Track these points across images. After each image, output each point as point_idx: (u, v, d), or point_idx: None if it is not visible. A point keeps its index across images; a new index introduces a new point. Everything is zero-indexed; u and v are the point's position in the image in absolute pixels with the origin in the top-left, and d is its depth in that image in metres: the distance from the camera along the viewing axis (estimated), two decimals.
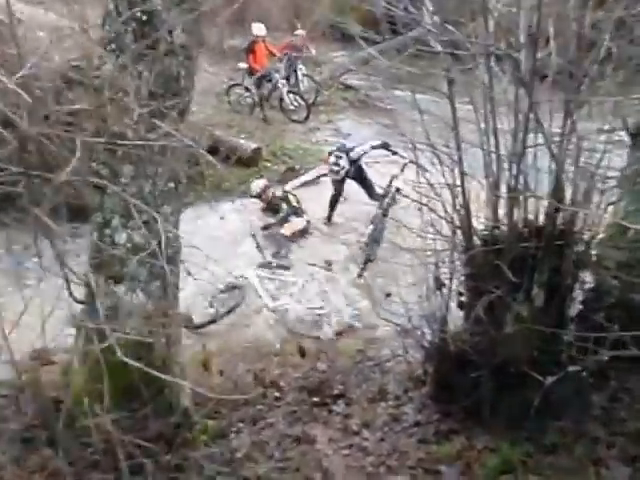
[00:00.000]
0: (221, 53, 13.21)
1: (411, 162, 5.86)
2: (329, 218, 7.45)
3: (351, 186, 7.39)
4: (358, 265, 6.16)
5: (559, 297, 3.50)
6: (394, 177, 7.01)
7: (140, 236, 2.79)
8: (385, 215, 6.64)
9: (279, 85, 10.88)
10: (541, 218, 3.46)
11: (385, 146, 6.99)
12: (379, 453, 3.71)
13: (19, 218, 2.69)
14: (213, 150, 9.10)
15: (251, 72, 10.89)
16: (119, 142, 2.19)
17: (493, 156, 3.33)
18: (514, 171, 3.24)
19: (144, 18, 2.58)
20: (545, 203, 3.40)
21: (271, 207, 7.45)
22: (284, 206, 7.28)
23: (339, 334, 5.65)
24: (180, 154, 2.73)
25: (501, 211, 3.53)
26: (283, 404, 4.52)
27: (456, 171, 3.61)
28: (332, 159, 7.12)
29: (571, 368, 3.27)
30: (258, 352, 5.32)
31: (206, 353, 4.73)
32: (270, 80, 10.91)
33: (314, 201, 7.67)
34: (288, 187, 7.61)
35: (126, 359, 1.88)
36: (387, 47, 4.85)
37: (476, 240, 3.65)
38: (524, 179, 3.32)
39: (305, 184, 8.12)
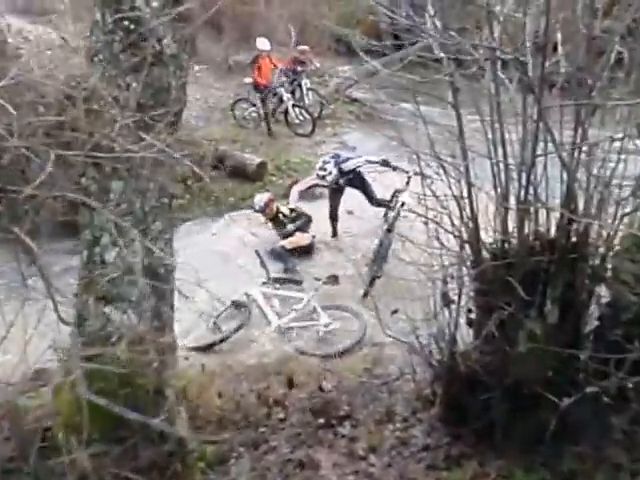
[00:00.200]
0: (227, 69, 13.25)
1: (416, 174, 5.76)
2: (334, 232, 7.31)
3: (356, 199, 7.26)
4: (364, 282, 5.99)
5: (574, 313, 3.36)
6: (398, 191, 6.86)
7: (131, 254, 2.66)
8: (390, 230, 6.48)
9: (284, 99, 10.86)
10: (553, 230, 3.32)
11: (385, 163, 6.86)
12: None
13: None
14: (218, 165, 9.15)
15: (256, 87, 10.87)
16: (97, 155, 2.07)
17: (501, 166, 3.18)
18: (524, 181, 3.09)
19: (131, 27, 2.49)
20: (557, 214, 3.24)
21: (275, 221, 7.32)
22: (289, 222, 7.16)
23: (346, 352, 5.47)
24: (171, 169, 2.61)
25: (511, 223, 3.40)
26: (287, 426, 4.36)
27: (463, 182, 3.47)
28: (319, 164, 7.12)
29: (589, 389, 3.08)
30: (262, 371, 5.16)
31: (206, 374, 4.58)
32: (275, 94, 10.89)
33: (320, 214, 7.55)
34: (292, 204, 7.46)
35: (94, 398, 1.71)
36: (392, 59, 4.78)
37: (485, 254, 3.52)
38: (534, 190, 3.17)
39: (306, 194, 7.95)
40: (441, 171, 3.59)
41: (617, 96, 3.30)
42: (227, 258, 7.02)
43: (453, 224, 3.56)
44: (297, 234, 7.09)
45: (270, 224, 7.40)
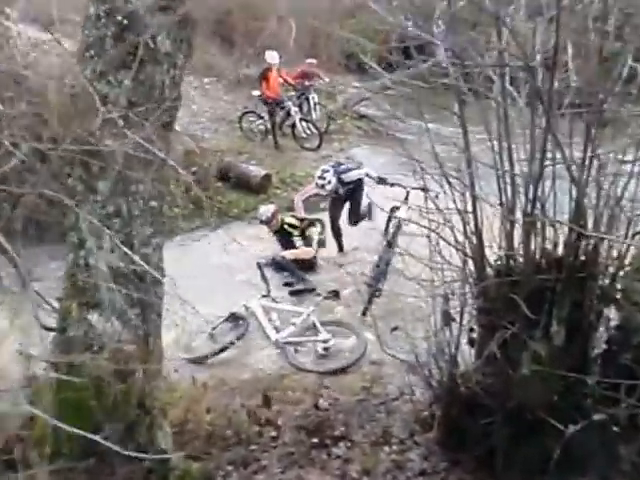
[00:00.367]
0: (236, 82, 13.30)
1: (415, 189, 5.64)
2: (340, 247, 7.18)
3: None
4: (363, 300, 5.84)
5: (581, 335, 3.21)
6: (395, 208, 6.71)
7: (117, 259, 2.55)
8: (390, 245, 6.34)
9: (292, 113, 10.85)
10: (560, 248, 3.17)
11: (381, 181, 6.74)
12: None
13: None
14: (223, 176, 9.11)
15: (264, 100, 10.86)
16: (72, 148, 1.96)
17: (508, 178, 3.06)
18: (530, 194, 2.96)
19: (124, 22, 2.40)
20: (565, 231, 3.10)
21: (280, 233, 7.21)
22: (295, 232, 7.07)
23: (344, 369, 5.31)
24: (162, 171, 2.50)
25: (517, 239, 3.26)
26: (279, 444, 4.20)
27: (467, 195, 3.35)
28: (318, 172, 6.98)
29: (596, 416, 2.92)
30: (256, 387, 5.01)
31: (198, 387, 4.44)
32: (283, 108, 10.88)
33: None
34: (301, 214, 7.34)
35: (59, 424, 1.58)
36: (401, 76, 4.73)
37: (489, 271, 3.39)
38: (542, 205, 3.03)
39: (309, 204, 7.84)
40: (445, 184, 3.47)
41: (630, 110, 3.18)
42: (228, 269, 6.90)
43: (456, 239, 3.43)
44: (301, 247, 7.00)
45: (274, 236, 7.30)
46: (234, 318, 6.04)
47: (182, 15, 2.49)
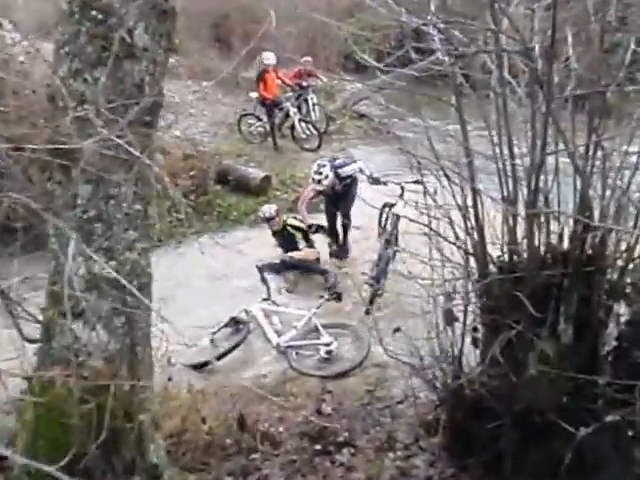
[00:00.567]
0: (235, 84, 13.20)
1: (409, 182, 5.50)
2: (338, 246, 7.06)
3: (362, 211, 6.98)
4: (363, 300, 5.71)
5: (590, 332, 3.08)
6: (388, 205, 6.55)
7: (99, 265, 2.43)
8: (389, 243, 6.19)
9: (291, 114, 10.75)
10: (566, 241, 3.04)
11: (375, 181, 6.60)
12: None
13: None
14: (222, 179, 9.00)
15: (263, 101, 10.76)
16: (39, 147, 1.85)
17: (509, 169, 2.92)
18: (533, 185, 2.82)
19: (99, 17, 2.29)
20: (570, 223, 2.97)
21: (281, 234, 7.12)
22: (298, 235, 6.98)
23: (347, 373, 5.18)
24: (145, 173, 2.38)
25: (520, 234, 3.12)
26: (281, 452, 4.08)
27: (467, 190, 3.21)
28: (314, 167, 6.77)
29: (608, 418, 2.77)
30: (257, 393, 4.88)
31: (197, 394, 4.32)
32: (281, 109, 10.78)
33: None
34: (309, 221, 7.20)
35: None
36: (399, 74, 4.64)
37: (492, 268, 3.27)
38: (545, 196, 2.90)
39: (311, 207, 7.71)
40: (444, 179, 3.34)
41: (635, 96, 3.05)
42: (227, 274, 6.79)
43: (457, 235, 3.30)
44: (305, 249, 6.92)
45: (275, 237, 7.20)
46: (234, 323, 5.94)
47: (161, 7, 2.38)
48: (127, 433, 2.40)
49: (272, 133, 10.68)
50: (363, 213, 6.95)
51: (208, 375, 5.35)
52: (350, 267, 6.79)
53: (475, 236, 3.25)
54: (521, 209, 3.04)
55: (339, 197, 6.84)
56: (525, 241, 3.09)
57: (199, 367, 5.44)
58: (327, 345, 5.49)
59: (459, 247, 3.31)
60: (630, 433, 2.93)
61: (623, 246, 3.07)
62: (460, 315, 3.39)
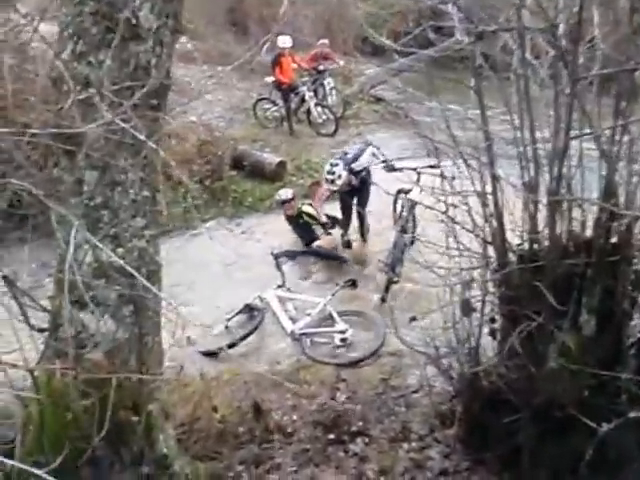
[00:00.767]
0: (250, 69, 13.08)
1: (425, 167, 5.35)
2: (348, 244, 6.88)
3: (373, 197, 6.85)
4: (379, 288, 5.62)
5: (614, 325, 2.98)
6: (402, 191, 6.38)
7: (107, 254, 2.38)
8: (404, 231, 6.06)
9: (307, 98, 10.61)
10: (589, 229, 2.92)
11: (389, 168, 6.43)
12: None
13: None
14: (237, 164, 8.93)
15: (278, 85, 10.63)
16: (39, 132, 1.79)
17: (530, 154, 2.80)
18: (555, 172, 2.70)
19: None
20: (594, 210, 2.84)
21: (296, 221, 7.05)
22: (313, 223, 6.94)
23: (362, 361, 5.12)
24: (152, 158, 2.32)
25: (541, 221, 3.01)
26: (294, 441, 4.04)
27: (486, 175, 3.10)
28: (327, 167, 6.49)
29: (632, 414, 2.67)
30: (271, 380, 4.85)
31: (210, 382, 4.29)
32: (297, 93, 10.65)
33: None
34: (324, 219, 7.11)
35: None
36: (417, 57, 4.50)
37: (511, 257, 3.17)
38: (567, 182, 2.77)
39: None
40: (462, 165, 3.23)
41: None
42: (243, 260, 6.74)
43: (475, 223, 3.19)
44: (324, 237, 6.89)
45: (289, 224, 7.15)
46: (249, 309, 5.91)
47: None
48: (135, 424, 2.37)
49: (288, 118, 10.55)
50: (381, 200, 6.85)
51: (221, 362, 5.33)
52: (366, 251, 6.69)
53: (494, 224, 3.15)
54: (542, 196, 2.92)
55: (356, 189, 6.70)
56: (546, 229, 2.98)
57: (213, 354, 5.42)
58: (342, 333, 5.43)
59: (477, 235, 3.20)
60: None
61: None
62: (478, 305, 3.30)
